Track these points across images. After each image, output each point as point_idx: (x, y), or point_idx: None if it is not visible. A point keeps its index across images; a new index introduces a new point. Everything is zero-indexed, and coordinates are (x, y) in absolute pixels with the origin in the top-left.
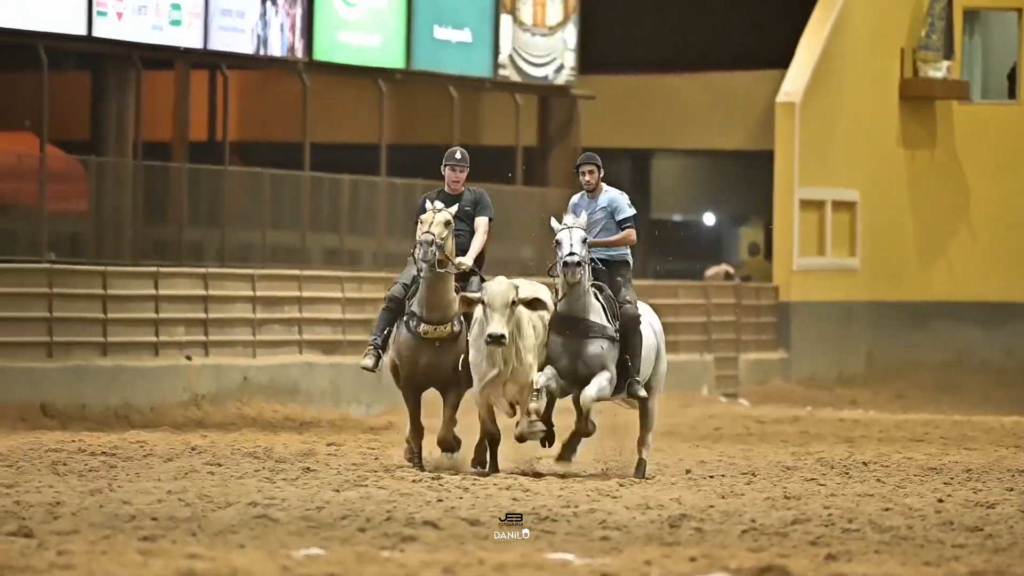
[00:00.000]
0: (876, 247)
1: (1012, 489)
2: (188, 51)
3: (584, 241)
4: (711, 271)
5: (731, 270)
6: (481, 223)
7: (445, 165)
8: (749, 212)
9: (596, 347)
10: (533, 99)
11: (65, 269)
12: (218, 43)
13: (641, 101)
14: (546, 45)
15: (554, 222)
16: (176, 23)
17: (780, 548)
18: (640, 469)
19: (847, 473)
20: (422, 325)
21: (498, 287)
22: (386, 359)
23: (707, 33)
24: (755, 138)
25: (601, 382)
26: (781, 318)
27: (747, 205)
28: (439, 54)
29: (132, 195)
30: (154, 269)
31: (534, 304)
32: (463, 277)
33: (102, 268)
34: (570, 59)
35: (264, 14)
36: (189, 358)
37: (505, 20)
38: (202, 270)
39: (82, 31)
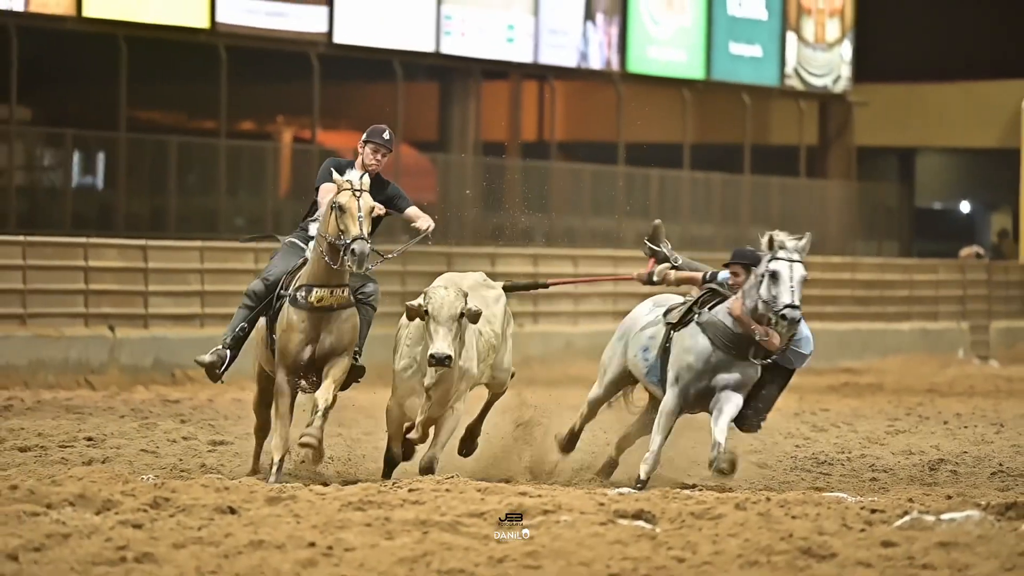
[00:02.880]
0: None
1: None
2: (521, 65)
3: (803, 281)
4: (965, 251)
5: (981, 251)
6: (416, 212)
7: (367, 142)
8: (999, 201)
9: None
10: (814, 105)
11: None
12: (546, 58)
13: (907, 106)
14: (825, 59)
15: (783, 243)
16: (511, 40)
17: None
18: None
19: None
20: (315, 291)
21: (444, 297)
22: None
23: (962, 47)
24: (1004, 138)
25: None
26: None
27: (997, 195)
28: (734, 67)
29: (473, 187)
30: (491, 250)
31: (478, 318)
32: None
33: (447, 250)
34: (846, 70)
35: (585, 32)
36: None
37: (790, 37)
38: (531, 251)
39: (431, 48)
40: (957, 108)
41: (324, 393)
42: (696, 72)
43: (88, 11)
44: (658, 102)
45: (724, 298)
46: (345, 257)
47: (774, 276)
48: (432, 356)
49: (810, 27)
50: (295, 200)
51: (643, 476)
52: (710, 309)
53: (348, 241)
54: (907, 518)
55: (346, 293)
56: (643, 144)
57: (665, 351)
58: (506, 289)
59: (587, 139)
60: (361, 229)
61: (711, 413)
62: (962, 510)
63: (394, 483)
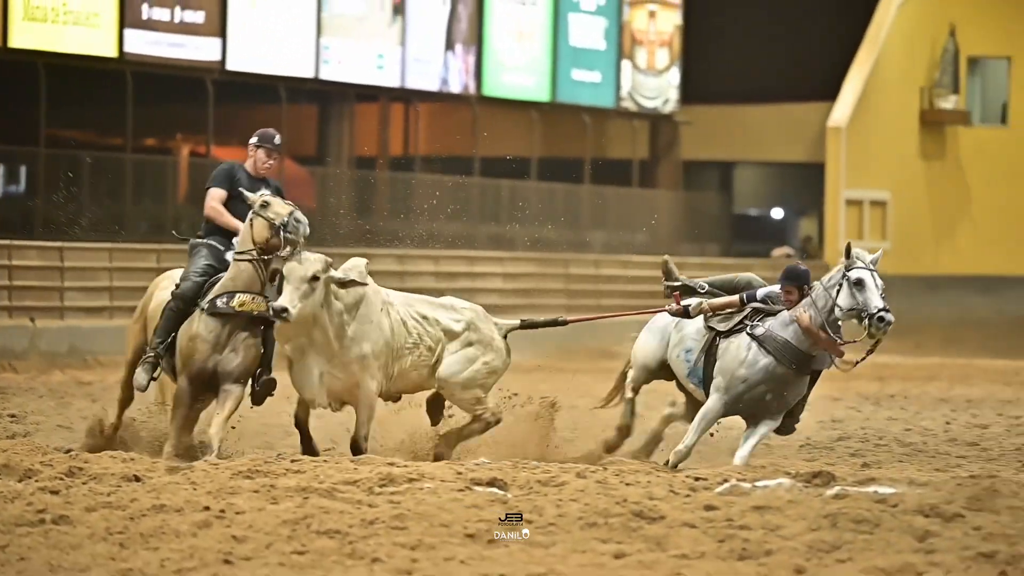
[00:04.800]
0: (902, 234)
1: (1001, 414)
2: (389, 89)
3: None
4: (777, 252)
5: (791, 251)
6: None
7: (260, 146)
8: (807, 208)
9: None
10: (646, 124)
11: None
12: (412, 83)
13: (727, 125)
14: (656, 83)
15: (860, 255)
16: (380, 68)
17: (827, 458)
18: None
19: (878, 403)
20: (237, 297)
21: (300, 260)
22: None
23: (775, 74)
24: (811, 153)
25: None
26: None
27: (805, 203)
28: (576, 91)
29: (347, 196)
30: (363, 252)
31: (347, 284)
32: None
33: (324, 252)
34: (674, 94)
35: (446, 61)
36: None
37: (625, 65)
38: (399, 252)
39: (311, 74)
40: (770, 127)
41: (217, 432)
42: (543, 95)
43: (13, 43)
44: (509, 122)
45: (770, 313)
46: (286, 235)
47: (859, 283)
48: (272, 308)
49: (643, 56)
50: (192, 206)
51: (672, 464)
52: (761, 322)
53: (284, 222)
54: (727, 485)
55: (264, 304)
56: (496, 158)
57: (709, 355)
58: (524, 326)
59: (447, 154)
60: (296, 234)
61: (748, 423)
62: (774, 478)
63: (279, 455)
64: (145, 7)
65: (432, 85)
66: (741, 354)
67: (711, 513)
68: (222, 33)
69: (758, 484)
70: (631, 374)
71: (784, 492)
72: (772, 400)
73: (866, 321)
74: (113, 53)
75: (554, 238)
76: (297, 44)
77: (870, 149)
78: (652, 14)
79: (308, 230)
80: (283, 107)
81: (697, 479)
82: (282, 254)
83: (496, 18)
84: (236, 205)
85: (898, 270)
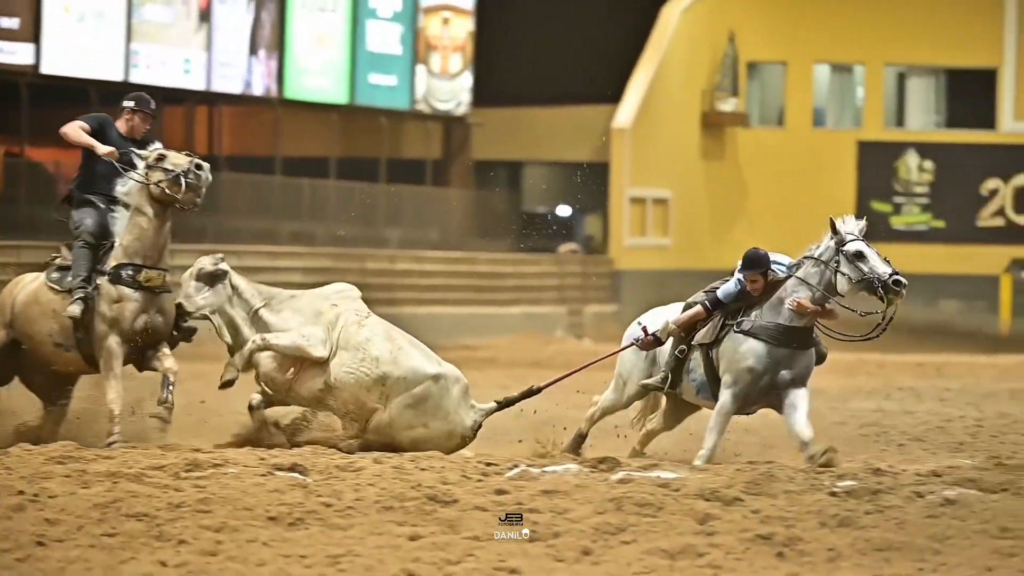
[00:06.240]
0: (682, 230)
1: None
2: (195, 92)
3: None
4: (563, 248)
5: (576, 247)
6: None
7: (136, 109)
8: (592, 206)
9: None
10: (439, 126)
11: None
12: (217, 86)
13: (516, 126)
14: (449, 87)
15: (848, 226)
16: (187, 72)
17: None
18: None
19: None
20: (143, 272)
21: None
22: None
23: (563, 78)
24: (596, 153)
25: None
26: (615, 281)
27: (590, 201)
28: (373, 94)
29: None
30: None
31: (214, 280)
32: None
33: None
34: (466, 97)
35: (249, 65)
36: None
37: (420, 69)
38: (203, 247)
39: (121, 78)
40: (558, 128)
41: (171, 365)
42: (341, 98)
43: None
44: (309, 123)
45: (748, 307)
46: (188, 181)
47: (859, 255)
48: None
49: (437, 60)
50: (7, 205)
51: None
52: (743, 317)
53: (185, 169)
54: (517, 470)
55: (166, 278)
56: (297, 158)
57: (710, 367)
58: (501, 407)
59: (250, 154)
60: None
61: (782, 412)
62: (562, 463)
63: (88, 445)
64: None
65: (236, 88)
66: (740, 348)
67: (502, 497)
68: (36, 39)
69: (547, 469)
70: (606, 393)
71: (572, 477)
72: (785, 381)
73: (880, 289)
74: None
75: (352, 235)
76: (108, 49)
77: (653, 149)
78: (446, 21)
79: (210, 177)
80: (93, 110)
81: (489, 464)
82: (185, 204)
83: (297, 24)
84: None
85: (679, 265)
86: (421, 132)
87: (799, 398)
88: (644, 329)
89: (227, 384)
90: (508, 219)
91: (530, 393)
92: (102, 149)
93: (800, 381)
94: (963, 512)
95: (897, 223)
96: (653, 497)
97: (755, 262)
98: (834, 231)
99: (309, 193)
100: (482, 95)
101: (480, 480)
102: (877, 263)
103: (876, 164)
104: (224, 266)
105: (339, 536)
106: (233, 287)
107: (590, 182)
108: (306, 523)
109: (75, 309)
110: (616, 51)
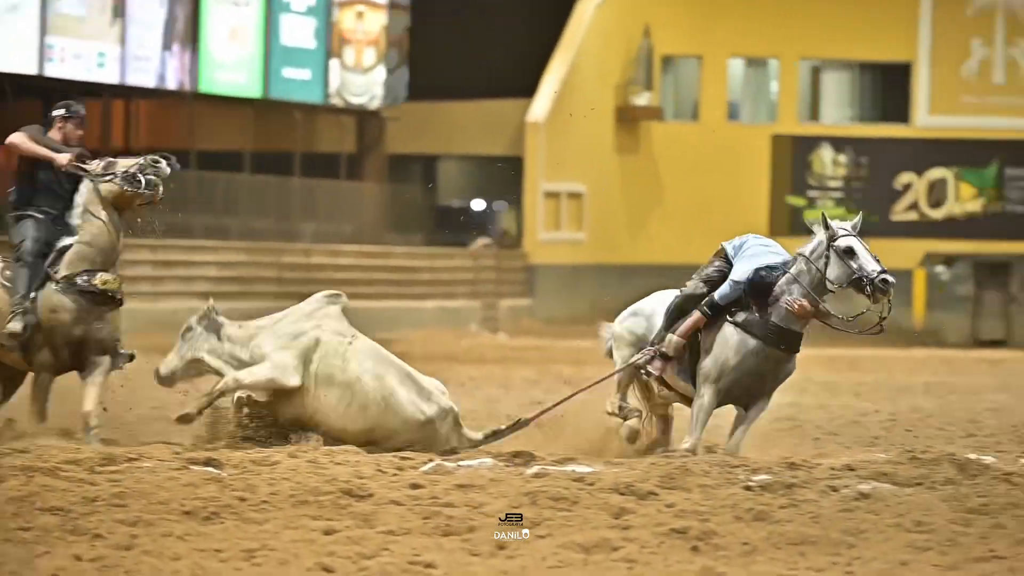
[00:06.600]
0: (597, 225)
1: None
2: (111, 86)
3: None
4: (477, 243)
5: (490, 242)
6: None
7: (69, 117)
8: (507, 200)
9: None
10: (353, 120)
11: None
12: (132, 80)
13: (431, 120)
14: (363, 81)
15: (838, 225)
16: (102, 65)
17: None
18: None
19: (568, 382)
20: (99, 275)
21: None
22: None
23: (478, 72)
24: (511, 147)
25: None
26: (529, 275)
27: (505, 195)
28: (287, 88)
29: None
30: None
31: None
32: None
33: None
34: (380, 91)
35: (164, 59)
36: None
37: (334, 64)
38: None
39: (36, 71)
40: (472, 122)
41: (93, 408)
42: (255, 92)
43: None
44: (224, 117)
45: (743, 304)
46: (148, 177)
47: (849, 251)
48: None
49: (351, 55)
50: None
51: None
52: (740, 312)
53: (141, 165)
54: (432, 464)
55: (119, 282)
56: (211, 152)
57: (692, 351)
58: (488, 438)
59: (165, 147)
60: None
61: (741, 410)
62: (477, 457)
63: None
64: None
65: (150, 82)
66: (729, 342)
67: (417, 491)
68: None
69: (462, 463)
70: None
71: (486, 471)
72: (765, 383)
73: (868, 288)
74: None
75: (266, 228)
76: (22, 42)
77: (567, 144)
78: (360, 15)
79: (170, 169)
80: (9, 104)
81: (404, 458)
82: (145, 198)
83: (211, 18)
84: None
85: (594, 259)
86: (335, 126)
87: (758, 409)
88: (655, 350)
89: (184, 419)
90: (423, 213)
91: (518, 425)
92: (62, 158)
93: (772, 388)
94: (877, 506)
95: (811, 217)
96: (568, 491)
97: (763, 290)
98: (826, 226)
99: (224, 187)
100: (396, 89)
101: (395, 475)
102: (867, 260)
103: (790, 158)
104: (191, 321)
105: (254, 530)
106: (209, 333)
107: (504, 176)
108: (221, 517)
109: (16, 326)
110: (531, 45)
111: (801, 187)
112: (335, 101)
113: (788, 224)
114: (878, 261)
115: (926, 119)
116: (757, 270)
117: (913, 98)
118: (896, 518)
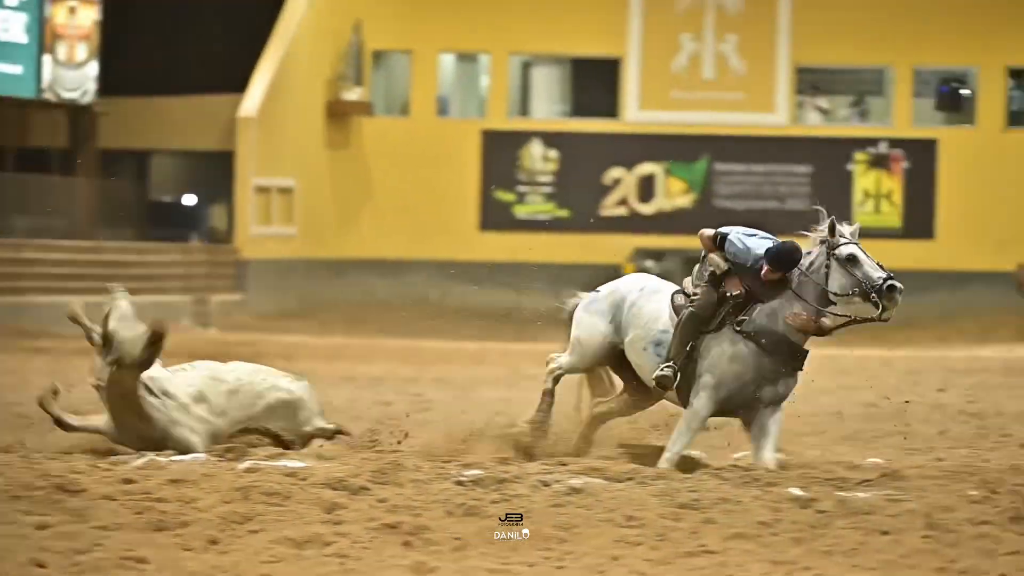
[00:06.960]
0: (308, 220)
1: (402, 392)
2: None
3: None
4: (192, 242)
5: (200, 237)
6: None
7: None
8: (218, 195)
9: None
10: (65, 114)
11: None
12: None
13: (143, 115)
14: (76, 76)
15: (844, 230)
16: None
17: None
18: None
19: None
20: None
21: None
22: None
23: (189, 67)
24: (222, 142)
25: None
26: (240, 270)
27: (217, 191)
28: None
29: None
30: None
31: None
32: None
33: None
34: (92, 85)
35: None
36: None
37: (47, 59)
38: None
39: None
40: (184, 117)
41: None
42: None
43: None
44: None
45: (754, 306)
46: None
47: (852, 259)
48: None
49: (63, 50)
50: None
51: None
52: (746, 315)
53: None
54: (144, 459)
55: None
56: None
57: (691, 360)
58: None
59: None
60: None
61: (748, 427)
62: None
63: None
64: None
65: None
66: (736, 348)
67: (129, 486)
68: None
69: (174, 459)
70: (563, 359)
71: (199, 466)
72: (768, 392)
73: (874, 296)
74: None
75: None
76: None
77: (279, 139)
78: (72, 10)
79: None
80: None
81: (116, 454)
82: None
83: None
84: None
85: (304, 254)
86: (47, 121)
87: (773, 422)
88: (683, 292)
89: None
90: (134, 208)
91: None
92: None
93: (780, 400)
94: (589, 501)
95: (520, 212)
96: (280, 486)
97: (789, 262)
98: (831, 232)
99: None
100: (109, 84)
101: (108, 470)
102: (871, 268)
103: (500, 153)
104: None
105: None
106: None
107: (216, 171)
108: None
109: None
110: (243, 40)
111: (511, 182)
112: (48, 96)
113: (497, 219)
114: (882, 267)
115: (636, 114)
116: (780, 242)
117: (623, 93)
118: (608, 513)
